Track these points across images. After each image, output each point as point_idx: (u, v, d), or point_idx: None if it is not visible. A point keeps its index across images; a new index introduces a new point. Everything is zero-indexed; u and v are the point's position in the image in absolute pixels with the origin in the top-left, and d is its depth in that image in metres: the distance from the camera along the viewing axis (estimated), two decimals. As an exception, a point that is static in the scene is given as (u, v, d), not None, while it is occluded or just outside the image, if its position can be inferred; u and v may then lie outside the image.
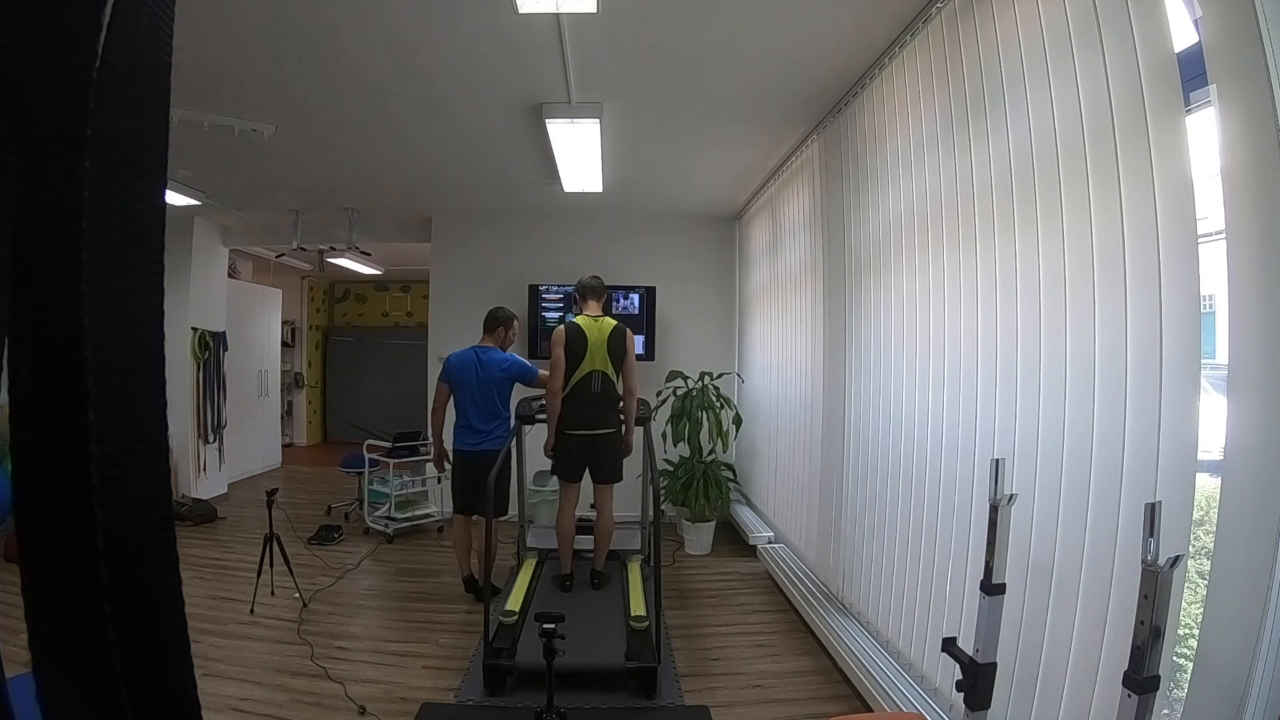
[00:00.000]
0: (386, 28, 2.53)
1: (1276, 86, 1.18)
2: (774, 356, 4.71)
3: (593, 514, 3.65)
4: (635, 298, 5.53)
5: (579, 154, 3.81)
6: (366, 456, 5.20)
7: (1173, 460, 1.39)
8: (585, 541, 3.67)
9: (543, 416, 3.54)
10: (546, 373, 3.51)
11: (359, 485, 5.47)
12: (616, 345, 3.43)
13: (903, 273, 2.63)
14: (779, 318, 4.55)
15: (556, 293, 5.51)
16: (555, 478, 3.66)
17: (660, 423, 4.75)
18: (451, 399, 3.79)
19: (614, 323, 3.47)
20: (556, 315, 5.44)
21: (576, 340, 3.38)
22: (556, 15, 2.39)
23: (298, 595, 3.70)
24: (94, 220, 0.32)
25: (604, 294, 3.60)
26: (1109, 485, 1.56)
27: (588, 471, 3.50)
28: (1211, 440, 1.35)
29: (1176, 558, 1.17)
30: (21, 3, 0.31)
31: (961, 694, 1.70)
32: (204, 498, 5.74)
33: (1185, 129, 1.38)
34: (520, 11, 2.29)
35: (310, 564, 4.33)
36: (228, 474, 6.49)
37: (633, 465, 4.22)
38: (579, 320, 3.44)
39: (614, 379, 3.45)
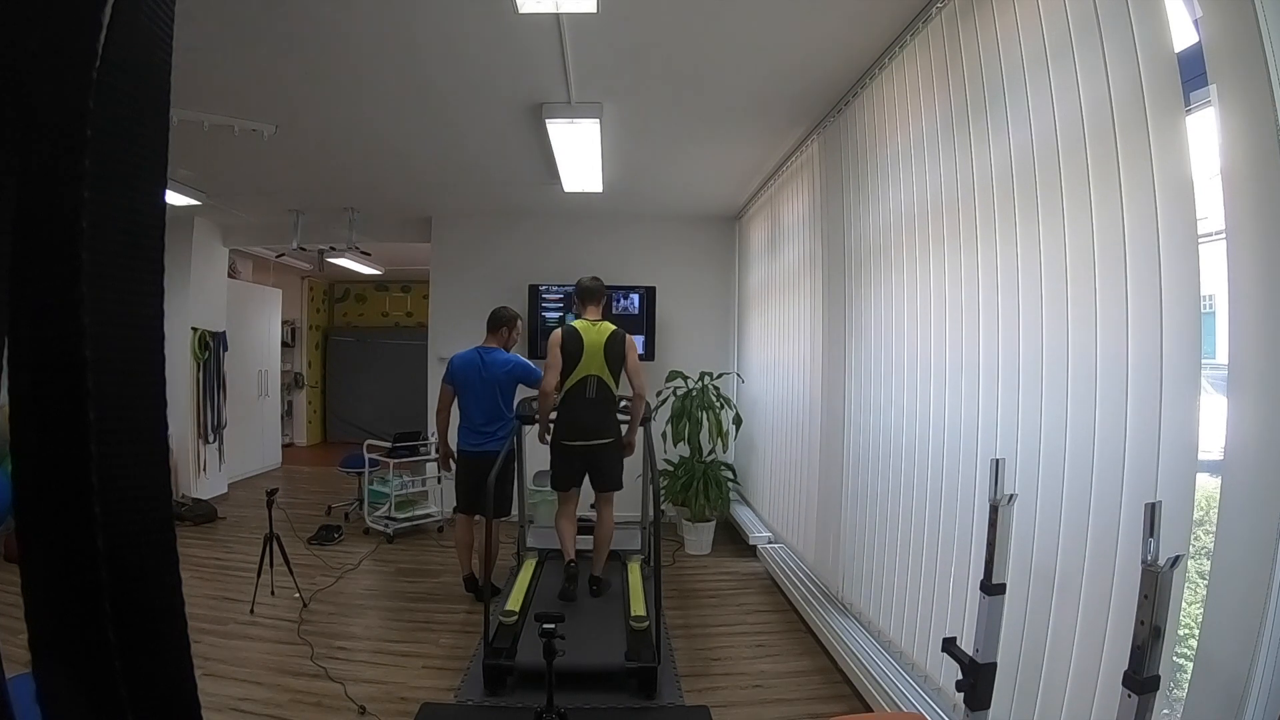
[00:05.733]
0: (387, 28, 2.53)
1: (1276, 86, 1.18)
2: (774, 356, 4.70)
3: (593, 514, 3.63)
4: (635, 298, 5.53)
5: (579, 154, 3.81)
6: (366, 456, 5.20)
7: (1173, 460, 1.39)
8: (585, 541, 3.65)
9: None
10: None
11: (359, 485, 5.47)
12: (614, 350, 3.37)
13: (903, 272, 2.63)
14: (779, 318, 4.55)
15: (556, 293, 5.51)
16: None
17: (660, 423, 4.75)
18: (456, 400, 3.79)
19: (612, 327, 3.41)
20: (556, 315, 5.44)
21: (572, 344, 3.34)
22: (556, 15, 2.39)
23: (298, 595, 3.70)
24: (94, 220, 0.32)
25: (604, 296, 3.53)
26: (1109, 485, 1.55)
27: (587, 478, 3.48)
28: (1211, 440, 1.35)
29: (1176, 558, 1.17)
30: (22, 3, 0.31)
31: (962, 694, 1.70)
32: (204, 498, 5.74)
33: (1185, 129, 1.37)
34: (520, 11, 2.29)
35: (310, 564, 4.33)
36: (228, 474, 6.48)
37: (633, 465, 4.23)
38: (577, 324, 3.40)
39: (611, 385, 3.39)
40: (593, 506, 3.62)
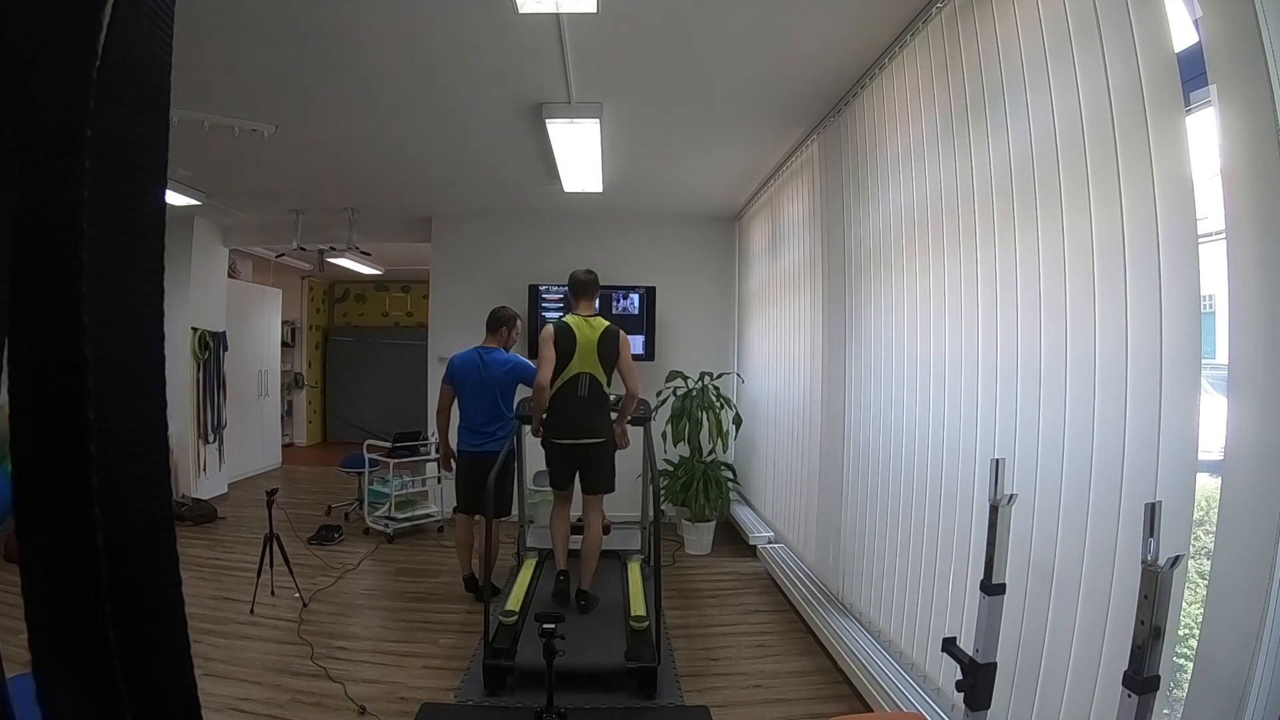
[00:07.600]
0: (387, 28, 2.53)
1: (1276, 86, 1.17)
2: (774, 356, 4.70)
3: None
4: (635, 298, 5.53)
5: (579, 154, 3.81)
6: (366, 456, 5.20)
7: (1173, 460, 1.39)
8: (580, 542, 3.63)
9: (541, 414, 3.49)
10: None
11: (359, 485, 5.47)
12: (608, 348, 3.28)
13: (903, 272, 2.63)
14: (779, 318, 4.55)
15: (556, 293, 5.51)
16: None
17: (660, 423, 4.75)
18: (456, 400, 3.79)
19: (606, 323, 3.32)
20: (557, 315, 5.40)
21: (565, 340, 3.24)
22: (556, 15, 2.39)
23: (298, 595, 3.70)
24: (94, 220, 0.32)
25: (597, 291, 3.43)
26: (1109, 485, 1.55)
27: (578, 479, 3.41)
28: (1211, 440, 1.35)
29: (1176, 558, 1.17)
30: (22, 3, 0.31)
31: (962, 694, 1.70)
32: (204, 498, 5.74)
33: (1185, 129, 1.37)
34: (520, 11, 2.29)
35: (310, 564, 4.33)
36: (228, 474, 6.48)
37: (633, 465, 4.23)
38: (569, 320, 3.30)
39: (603, 383, 3.32)
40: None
